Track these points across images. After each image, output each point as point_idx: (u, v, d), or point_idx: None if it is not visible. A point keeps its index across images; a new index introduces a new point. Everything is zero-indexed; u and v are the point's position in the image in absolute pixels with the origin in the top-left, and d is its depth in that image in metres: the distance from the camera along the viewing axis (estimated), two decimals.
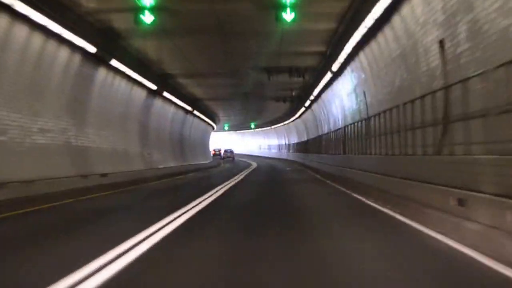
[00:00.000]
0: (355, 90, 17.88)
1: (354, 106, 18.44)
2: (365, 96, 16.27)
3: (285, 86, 26.78)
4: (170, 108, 27.10)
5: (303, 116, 38.02)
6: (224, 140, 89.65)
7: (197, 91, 28.21)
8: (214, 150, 61.80)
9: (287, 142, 53.60)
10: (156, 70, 20.77)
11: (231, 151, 57.14)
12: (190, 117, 33.38)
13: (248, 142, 79.05)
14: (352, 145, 17.85)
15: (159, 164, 24.08)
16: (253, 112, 43.29)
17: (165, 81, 22.82)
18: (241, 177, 22.43)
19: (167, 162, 26.22)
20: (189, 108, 30.31)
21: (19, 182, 10.17)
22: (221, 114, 44.35)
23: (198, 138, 39.77)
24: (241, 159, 59.43)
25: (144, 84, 19.94)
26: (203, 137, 44.46)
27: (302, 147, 41.04)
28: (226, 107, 38.04)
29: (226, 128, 62.75)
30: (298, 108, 35.85)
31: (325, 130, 27.25)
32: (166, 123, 27.24)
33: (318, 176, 21.37)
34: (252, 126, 60.71)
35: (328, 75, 19.60)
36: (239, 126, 65.49)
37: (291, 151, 49.92)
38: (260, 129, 66.72)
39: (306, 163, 33.78)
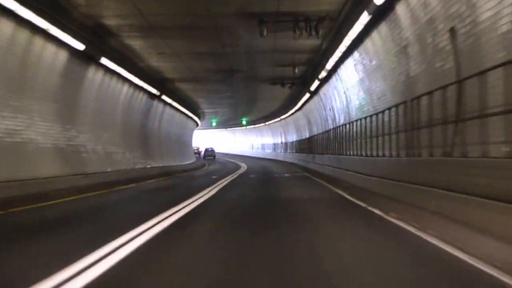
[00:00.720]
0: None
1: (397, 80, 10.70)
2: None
3: (285, 58, 19.03)
4: (122, 88, 19.20)
5: (306, 107, 30.22)
6: (214, 138, 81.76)
7: (164, 66, 20.34)
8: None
9: (283, 141, 45.78)
10: (84, 20, 12.87)
11: (212, 150, 54.94)
12: (159, 105, 25.45)
13: (240, 140, 71.10)
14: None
15: (101, 165, 16.23)
16: (242, 102, 35.38)
17: (102, 41, 14.90)
18: (220, 186, 14.63)
19: (117, 162, 18.33)
20: (154, 91, 22.38)
21: None
22: (204, 105, 36.36)
23: (173, 133, 31.78)
24: (231, 159, 51.50)
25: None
26: (182, 134, 36.48)
27: (304, 146, 33.23)
28: (208, 94, 30.09)
29: (214, 124, 54.71)
30: (299, 96, 28.05)
31: (341, 121, 19.49)
32: (117, 110, 19.33)
33: (345, 195, 12.96)
34: (244, 122, 52.81)
35: (359, 26, 11.82)
36: (229, 122, 57.54)
37: (288, 151, 42.11)
38: (252, 126, 58.84)
39: (310, 167, 25.97)
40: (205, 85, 25.65)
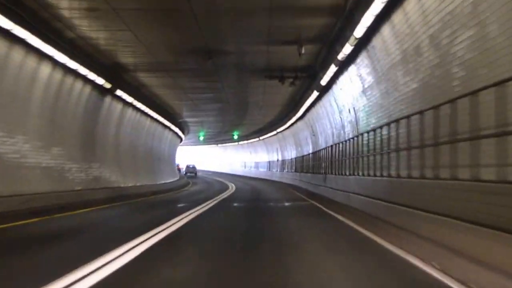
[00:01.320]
0: None
1: None
2: None
3: (287, 27, 12.64)
4: (43, 71, 12.63)
5: (311, 113, 23.85)
6: (204, 155, 75.02)
7: (111, 43, 13.88)
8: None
9: (279, 158, 39.18)
10: None
11: (193, 167, 53.71)
12: (116, 105, 18.88)
13: (232, 158, 64.35)
14: None
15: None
16: (231, 109, 28.79)
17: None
18: (169, 231, 7.94)
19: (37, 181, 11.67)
20: (100, 81, 15.83)
21: None
22: (183, 112, 29.73)
23: (142, 145, 25.10)
24: (220, 179, 44.73)
25: None
26: (158, 147, 29.76)
27: (307, 163, 26.70)
28: (184, 93, 23.54)
29: (202, 138, 48.07)
30: (303, 98, 21.72)
31: (370, 125, 12.94)
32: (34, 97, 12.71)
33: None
34: (235, 136, 46.26)
35: None
36: (219, 137, 50.99)
37: (286, 170, 35.45)
38: (245, 141, 52.27)
39: (319, 192, 19.38)
40: (175, 78, 19.10)
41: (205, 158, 74.96)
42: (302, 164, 28.66)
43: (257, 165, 50.89)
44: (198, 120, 34.28)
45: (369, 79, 12.65)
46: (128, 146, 21.54)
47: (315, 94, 18.90)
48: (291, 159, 33.27)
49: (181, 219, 9.91)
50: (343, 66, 14.14)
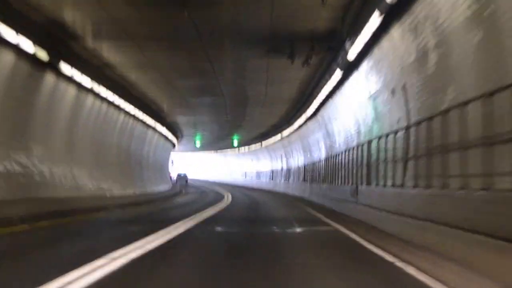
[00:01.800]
0: None
1: None
2: None
3: None
4: None
5: (325, 110, 18.97)
6: (203, 164, 70.05)
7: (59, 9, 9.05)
8: None
9: (284, 167, 34.04)
10: None
11: (185, 175, 52.68)
12: (62, 87, 13.88)
13: (232, 166, 59.15)
14: None
15: None
16: (227, 103, 23.73)
17: None
18: None
19: None
20: (28, 47, 10.84)
21: None
22: (171, 109, 24.71)
23: (113, 147, 20.10)
24: (215, 188, 39.56)
25: None
26: (137, 150, 24.72)
27: (320, 172, 21.71)
28: (166, 77, 18.62)
29: (198, 144, 43.07)
30: (319, 84, 16.82)
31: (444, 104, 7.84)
32: None
33: None
34: (235, 142, 41.25)
35: None
36: (217, 143, 45.99)
37: (292, 179, 30.35)
38: (247, 147, 47.21)
39: (350, 213, 14.21)
40: (145, 51, 14.13)
41: (204, 167, 70.01)
42: (313, 173, 23.55)
43: (258, 175, 45.68)
44: (191, 120, 29.29)
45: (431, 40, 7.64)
46: (89, 144, 16.53)
47: (336, 76, 13.89)
48: (299, 167, 28.14)
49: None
50: (387, 23, 9.16)
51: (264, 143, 39.10)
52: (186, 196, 28.40)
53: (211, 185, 48.83)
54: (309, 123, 23.23)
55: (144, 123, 23.37)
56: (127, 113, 19.98)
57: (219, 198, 23.95)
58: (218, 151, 56.97)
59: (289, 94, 20.68)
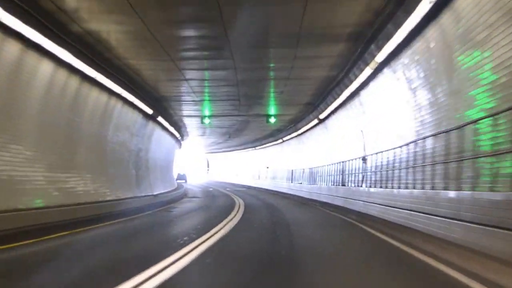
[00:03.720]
0: None
1: None
2: None
3: None
4: None
5: (365, 94, 13.63)
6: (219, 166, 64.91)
7: None
8: None
9: (307, 167, 28.58)
10: None
11: (184, 175, 57.93)
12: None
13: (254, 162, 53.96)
14: None
15: None
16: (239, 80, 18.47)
17: None
18: None
19: None
20: None
21: None
22: (163, 84, 19.49)
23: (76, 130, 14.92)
24: (231, 194, 34.38)
25: None
26: (118, 139, 19.47)
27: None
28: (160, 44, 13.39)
29: (207, 122, 37.62)
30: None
31: None
32: None
33: None
34: (271, 119, 35.80)
35: None
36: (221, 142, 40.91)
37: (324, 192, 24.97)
38: (255, 145, 42.00)
39: None
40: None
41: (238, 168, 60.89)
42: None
43: (274, 177, 40.22)
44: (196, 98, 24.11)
45: None
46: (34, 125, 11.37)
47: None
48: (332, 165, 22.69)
49: None
50: None
51: (285, 139, 33.78)
52: (187, 204, 23.21)
53: (232, 190, 43.58)
54: (343, 112, 17.88)
55: (126, 101, 18.27)
56: (99, 84, 14.87)
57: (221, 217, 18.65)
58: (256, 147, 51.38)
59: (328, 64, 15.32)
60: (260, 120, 26.84)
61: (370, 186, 15.55)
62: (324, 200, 21.05)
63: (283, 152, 35.96)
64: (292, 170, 31.81)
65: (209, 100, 21.35)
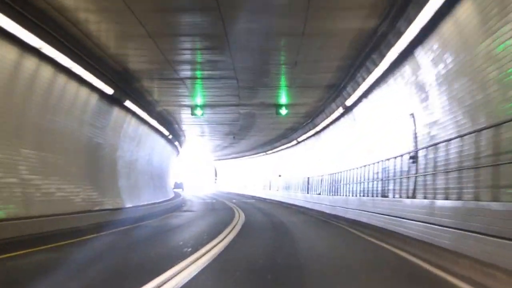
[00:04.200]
0: None
1: None
2: None
3: None
4: None
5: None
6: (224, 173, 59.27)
7: None
8: None
9: (327, 173, 22.50)
10: None
11: (181, 183, 58.30)
12: None
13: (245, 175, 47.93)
14: None
15: None
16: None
17: None
18: None
19: None
20: None
21: None
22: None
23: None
24: (234, 206, 28.59)
25: None
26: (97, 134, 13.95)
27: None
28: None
29: (200, 113, 32.29)
30: None
31: None
32: None
33: None
34: (282, 110, 30.10)
35: None
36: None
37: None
38: (266, 150, 36.28)
39: None
40: None
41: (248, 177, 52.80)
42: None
43: (287, 187, 34.01)
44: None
45: None
46: None
47: None
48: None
49: None
50: None
51: (301, 139, 27.98)
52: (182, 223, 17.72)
53: (239, 202, 37.78)
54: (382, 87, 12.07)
55: (91, 86, 12.73)
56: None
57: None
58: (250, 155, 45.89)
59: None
60: (268, 113, 21.02)
61: (435, 197, 9.58)
62: (353, 216, 15.05)
63: (298, 156, 30.02)
64: (308, 178, 25.82)
65: (199, 79, 15.72)
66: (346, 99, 16.23)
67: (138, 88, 16.28)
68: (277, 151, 35.48)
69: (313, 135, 24.44)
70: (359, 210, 14.48)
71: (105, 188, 15.66)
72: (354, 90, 15.08)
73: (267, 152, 38.75)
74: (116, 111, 15.97)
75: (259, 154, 42.16)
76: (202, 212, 20.84)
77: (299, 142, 28.21)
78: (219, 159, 61.80)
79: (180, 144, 37.63)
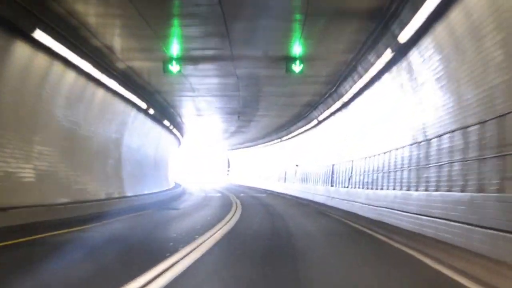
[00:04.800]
0: None
1: None
2: None
3: None
4: None
5: None
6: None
7: None
8: None
9: (359, 157, 16.24)
10: None
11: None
12: None
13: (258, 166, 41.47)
14: None
15: None
16: None
17: None
18: None
19: None
20: None
21: None
22: None
23: None
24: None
25: None
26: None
27: None
28: None
29: (178, 69, 26.22)
30: None
31: None
32: None
33: None
34: (296, 67, 24.00)
35: None
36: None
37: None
38: (281, 136, 30.23)
39: None
40: None
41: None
42: None
43: (305, 178, 27.44)
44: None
45: None
46: None
47: None
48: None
49: None
50: None
51: (312, 125, 21.76)
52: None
53: (249, 195, 31.78)
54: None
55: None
56: None
57: None
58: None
59: None
60: (277, 73, 14.74)
61: None
62: (431, 231, 8.79)
63: (319, 139, 23.73)
64: (333, 165, 19.53)
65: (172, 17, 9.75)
66: (398, 33, 9.91)
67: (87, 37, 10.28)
68: (293, 137, 29.27)
69: (339, 109, 18.17)
70: (445, 220, 8.15)
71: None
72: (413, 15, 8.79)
73: (282, 139, 32.52)
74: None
75: (273, 141, 35.97)
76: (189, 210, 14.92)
77: (320, 122, 21.90)
78: (232, 149, 55.80)
79: (181, 133, 31.77)
